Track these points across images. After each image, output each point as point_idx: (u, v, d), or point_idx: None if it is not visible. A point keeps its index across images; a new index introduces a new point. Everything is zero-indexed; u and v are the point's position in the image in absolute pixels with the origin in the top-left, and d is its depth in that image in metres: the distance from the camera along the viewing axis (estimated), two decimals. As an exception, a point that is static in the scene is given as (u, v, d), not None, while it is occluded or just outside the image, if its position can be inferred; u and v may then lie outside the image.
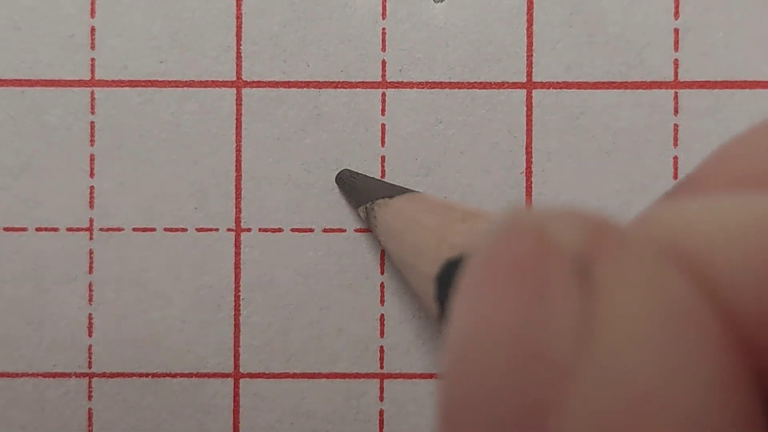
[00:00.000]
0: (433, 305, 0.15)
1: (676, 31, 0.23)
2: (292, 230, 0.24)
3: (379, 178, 0.23)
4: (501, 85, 0.23)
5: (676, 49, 0.23)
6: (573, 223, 0.09)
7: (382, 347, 0.24)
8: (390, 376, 0.24)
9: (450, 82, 0.23)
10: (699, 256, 0.09)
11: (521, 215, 0.10)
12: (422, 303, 0.18)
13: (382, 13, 0.24)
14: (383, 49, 0.24)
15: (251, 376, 0.24)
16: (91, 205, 0.24)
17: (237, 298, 0.24)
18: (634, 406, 0.08)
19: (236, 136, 0.24)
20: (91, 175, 0.23)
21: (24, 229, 0.23)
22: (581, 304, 0.09)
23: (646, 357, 0.08)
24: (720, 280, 0.09)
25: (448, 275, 0.15)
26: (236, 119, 0.24)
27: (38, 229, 0.23)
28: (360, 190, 0.22)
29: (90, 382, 0.24)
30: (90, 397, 0.24)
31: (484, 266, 0.10)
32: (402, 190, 0.21)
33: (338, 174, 0.23)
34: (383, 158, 0.24)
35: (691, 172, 0.13)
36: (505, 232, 0.10)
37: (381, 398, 0.24)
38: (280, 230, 0.24)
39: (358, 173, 0.23)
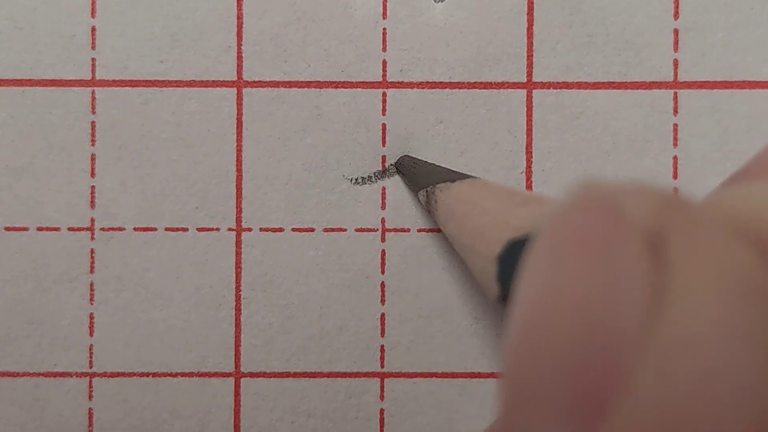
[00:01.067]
0: (493, 286, 0.15)
1: (676, 31, 0.23)
2: (293, 230, 0.24)
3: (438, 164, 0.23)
4: (501, 85, 0.24)
5: (676, 49, 0.23)
6: (645, 198, 0.09)
7: (382, 346, 0.24)
8: (390, 375, 0.24)
9: (450, 82, 0.24)
10: (765, 233, 0.09)
11: (594, 188, 0.10)
12: (481, 285, 0.17)
13: (383, 13, 0.24)
14: (384, 49, 0.24)
15: (252, 375, 0.24)
16: (92, 204, 0.24)
17: (238, 297, 0.24)
18: (703, 379, 0.08)
19: (237, 136, 0.24)
20: (92, 174, 0.23)
21: (25, 229, 0.23)
22: (653, 278, 0.09)
23: (717, 331, 0.08)
24: None
25: (510, 255, 0.15)
26: (237, 119, 0.24)
27: (39, 229, 0.23)
28: (421, 174, 0.23)
29: (90, 381, 0.24)
30: (90, 397, 0.24)
31: (556, 237, 0.10)
32: (463, 176, 0.21)
33: (398, 160, 0.23)
34: (383, 158, 0.24)
35: (745, 164, 0.13)
36: (577, 204, 0.10)
37: (381, 397, 0.24)
38: (280, 230, 0.24)
39: (417, 159, 0.23)
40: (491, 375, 0.24)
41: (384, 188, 0.24)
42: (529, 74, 0.24)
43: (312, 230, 0.24)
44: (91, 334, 0.24)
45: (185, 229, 0.24)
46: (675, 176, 0.23)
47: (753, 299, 0.09)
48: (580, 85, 0.23)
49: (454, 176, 0.21)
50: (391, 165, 0.24)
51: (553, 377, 0.09)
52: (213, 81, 0.24)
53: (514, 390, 0.09)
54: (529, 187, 0.24)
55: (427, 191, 0.22)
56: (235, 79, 0.24)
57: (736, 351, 0.08)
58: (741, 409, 0.08)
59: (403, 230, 0.24)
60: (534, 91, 0.24)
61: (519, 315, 0.10)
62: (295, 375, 0.24)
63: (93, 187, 0.24)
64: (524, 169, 0.24)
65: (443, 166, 0.23)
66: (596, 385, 0.09)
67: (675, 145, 0.23)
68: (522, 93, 0.24)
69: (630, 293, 0.09)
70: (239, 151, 0.24)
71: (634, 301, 0.09)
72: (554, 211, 0.10)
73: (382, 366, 0.24)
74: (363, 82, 0.24)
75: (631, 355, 0.08)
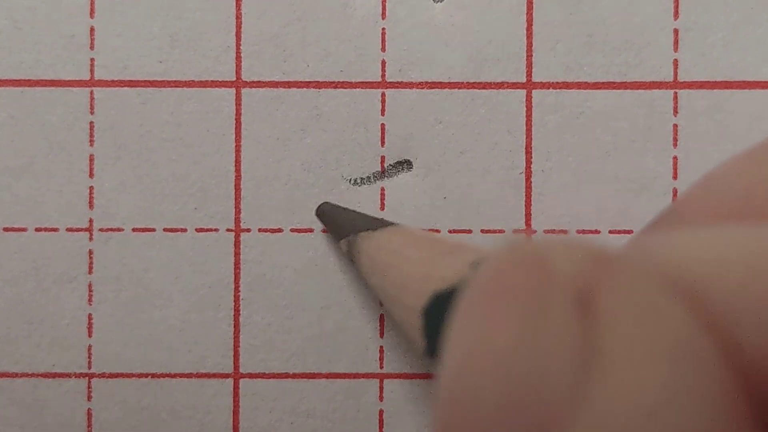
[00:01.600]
0: (419, 339, 0.15)
1: (676, 31, 0.23)
2: (292, 230, 0.24)
3: (354, 210, 0.23)
4: (501, 85, 0.23)
5: (676, 49, 0.23)
6: (573, 253, 0.09)
7: (381, 347, 0.24)
8: (390, 376, 0.24)
9: (450, 82, 0.23)
10: (697, 286, 0.09)
11: (521, 244, 0.10)
12: (407, 338, 0.17)
13: (382, 13, 0.24)
14: (383, 49, 0.24)
15: (251, 376, 0.24)
16: (91, 205, 0.24)
17: (237, 298, 0.24)
18: None
19: (236, 136, 0.24)
20: (91, 175, 0.24)
21: (24, 229, 0.23)
22: (582, 335, 0.09)
23: (648, 390, 0.08)
24: (718, 310, 0.09)
25: (435, 308, 0.14)
26: (236, 119, 0.24)
27: (38, 229, 0.23)
28: (341, 223, 0.22)
29: (90, 382, 0.24)
30: (90, 397, 0.24)
31: (483, 294, 0.10)
32: (385, 223, 0.21)
33: (319, 207, 0.23)
34: (383, 158, 0.24)
35: (674, 202, 0.13)
36: (504, 260, 0.10)
37: (381, 398, 0.24)
38: (279, 230, 0.24)
39: (338, 206, 0.23)
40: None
41: (383, 188, 0.24)
42: (529, 74, 0.23)
43: (311, 230, 0.24)
44: (90, 335, 0.24)
45: (184, 230, 0.24)
46: (675, 176, 0.23)
47: (682, 355, 0.08)
48: (579, 85, 0.23)
49: (376, 224, 0.21)
50: (391, 165, 0.24)
51: None
52: (212, 81, 0.24)
53: None
54: (528, 186, 0.23)
55: (348, 240, 0.22)
56: (234, 79, 0.24)
57: (668, 409, 0.08)
58: None
59: (402, 231, 0.24)
60: (533, 91, 0.23)
61: (447, 373, 0.10)
62: (295, 375, 0.24)
63: (92, 187, 0.24)
64: (524, 169, 0.23)
65: (363, 213, 0.23)
66: None
67: (675, 145, 0.23)
68: (521, 93, 0.23)
69: (559, 352, 0.09)
70: (238, 151, 0.24)
71: (563, 360, 0.09)
72: (482, 266, 0.10)
73: (382, 367, 0.24)
74: (362, 82, 0.24)
75: (562, 416, 0.08)
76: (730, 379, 0.09)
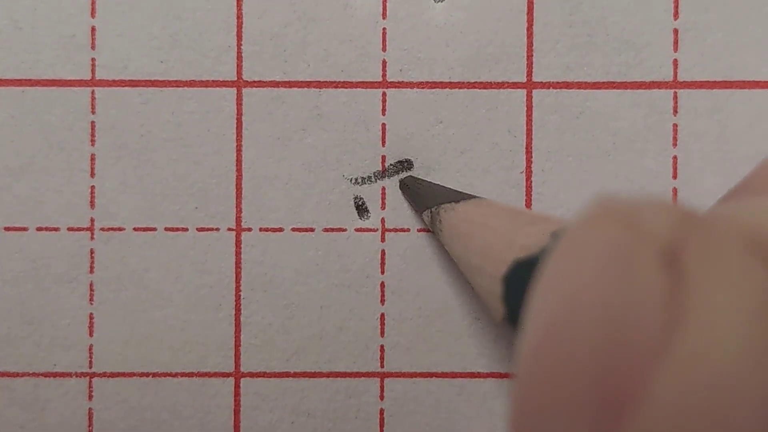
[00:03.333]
0: (498, 306, 0.15)
1: (676, 31, 0.23)
2: (293, 230, 0.24)
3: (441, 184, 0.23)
4: (501, 85, 0.24)
5: (676, 49, 0.23)
6: (662, 212, 0.09)
7: (382, 346, 0.24)
8: (390, 375, 0.24)
9: (450, 82, 0.24)
10: None
11: (611, 203, 0.10)
12: (487, 306, 0.17)
13: (383, 13, 0.24)
14: (383, 49, 0.24)
15: (252, 375, 0.24)
16: (92, 204, 0.24)
17: (237, 297, 0.24)
18: (719, 393, 0.08)
19: (237, 136, 0.24)
20: (92, 174, 0.23)
21: (24, 229, 0.23)
22: (670, 292, 0.09)
23: (733, 346, 0.08)
24: None
25: (517, 276, 0.15)
26: (237, 119, 0.24)
27: (39, 229, 0.23)
28: (424, 195, 0.23)
29: (90, 381, 0.24)
30: (90, 397, 0.24)
31: (574, 250, 0.10)
32: (468, 196, 0.21)
33: (402, 180, 0.23)
34: (383, 158, 0.24)
35: (744, 178, 0.13)
36: (595, 218, 0.10)
37: (381, 397, 0.24)
38: (280, 230, 0.24)
39: (422, 179, 0.23)
40: (491, 375, 0.24)
41: (384, 188, 0.24)
42: (529, 74, 0.24)
43: (312, 230, 0.24)
44: (90, 334, 0.24)
45: (185, 229, 0.24)
46: (675, 176, 0.23)
47: (765, 317, 0.09)
48: (580, 85, 0.23)
49: (459, 196, 0.21)
50: (391, 165, 0.24)
51: (571, 387, 0.09)
52: (213, 81, 0.24)
53: (530, 400, 0.09)
54: (528, 186, 0.24)
55: (431, 212, 0.22)
56: (235, 79, 0.24)
57: (751, 366, 0.08)
58: (755, 423, 0.08)
59: (403, 230, 0.24)
60: (534, 90, 0.24)
61: (536, 325, 0.10)
62: (295, 375, 0.24)
63: (93, 187, 0.24)
64: (524, 168, 0.24)
65: (446, 186, 0.23)
66: (614, 396, 0.09)
67: (675, 145, 0.23)
68: (522, 93, 0.24)
69: (648, 306, 0.09)
70: (239, 151, 0.24)
71: (652, 314, 0.09)
72: (572, 224, 0.10)
73: (382, 366, 0.24)
74: (363, 82, 0.24)
75: (649, 366, 0.09)
76: None
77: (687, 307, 0.09)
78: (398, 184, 0.23)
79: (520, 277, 0.14)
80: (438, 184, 0.23)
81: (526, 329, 0.10)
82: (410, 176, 0.23)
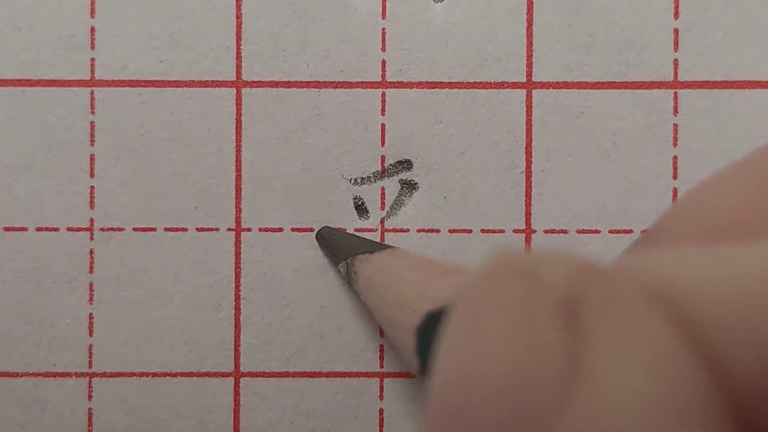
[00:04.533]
0: (413, 359, 0.15)
1: (676, 31, 0.23)
2: (292, 230, 0.24)
3: (353, 234, 0.23)
4: (501, 85, 0.24)
5: (676, 49, 0.23)
6: (560, 266, 0.09)
7: (381, 346, 0.24)
8: (390, 375, 0.24)
9: (450, 82, 0.24)
10: (681, 302, 0.09)
11: (511, 257, 0.10)
12: (402, 358, 0.18)
13: (382, 13, 0.24)
14: (383, 49, 0.24)
15: (251, 375, 0.24)
16: (92, 205, 0.24)
17: (237, 297, 0.24)
18: None
19: (236, 136, 0.24)
20: (92, 175, 0.24)
21: (24, 229, 0.23)
22: (569, 346, 0.09)
23: (631, 400, 0.08)
24: (702, 326, 0.09)
25: (429, 328, 0.15)
26: (236, 119, 0.24)
27: (38, 229, 0.23)
28: (340, 247, 0.23)
29: (90, 381, 0.24)
30: (90, 397, 0.24)
31: (474, 306, 0.10)
32: (383, 246, 0.21)
33: (318, 231, 0.23)
34: (383, 158, 0.24)
35: (654, 224, 0.13)
36: (493, 274, 0.10)
37: (381, 397, 0.24)
38: (280, 230, 0.24)
39: (337, 231, 0.23)
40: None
41: (384, 188, 0.24)
42: (529, 74, 0.24)
43: (311, 230, 0.24)
44: (90, 334, 0.24)
45: (185, 229, 0.24)
46: (675, 176, 0.23)
47: (665, 370, 0.09)
48: (580, 85, 0.23)
49: (374, 247, 0.21)
50: (391, 165, 0.24)
51: None
52: (212, 81, 0.24)
53: None
54: (528, 186, 0.24)
55: (347, 263, 0.22)
56: (235, 79, 0.24)
57: (649, 421, 0.08)
58: None
59: (402, 230, 0.24)
60: (534, 90, 0.23)
61: (438, 385, 0.10)
62: (295, 375, 0.24)
63: (92, 187, 0.24)
64: (524, 168, 0.24)
65: (361, 236, 0.23)
66: None
67: (675, 145, 0.23)
68: (522, 93, 0.24)
69: (548, 361, 0.09)
70: (239, 151, 0.24)
71: (551, 368, 0.09)
72: (472, 280, 0.10)
73: (382, 366, 0.24)
74: (362, 82, 0.24)
75: (549, 423, 0.09)
76: (711, 394, 0.09)
77: (586, 361, 0.09)
78: (315, 235, 0.23)
79: (432, 330, 0.14)
80: (354, 235, 0.23)
81: (431, 383, 0.10)
82: (326, 227, 0.23)
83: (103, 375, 0.24)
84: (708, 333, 0.09)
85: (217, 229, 0.24)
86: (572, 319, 0.09)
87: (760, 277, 0.09)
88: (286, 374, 0.24)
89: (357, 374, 0.24)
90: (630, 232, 0.23)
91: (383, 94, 0.24)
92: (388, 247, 0.21)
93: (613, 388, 0.08)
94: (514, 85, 0.23)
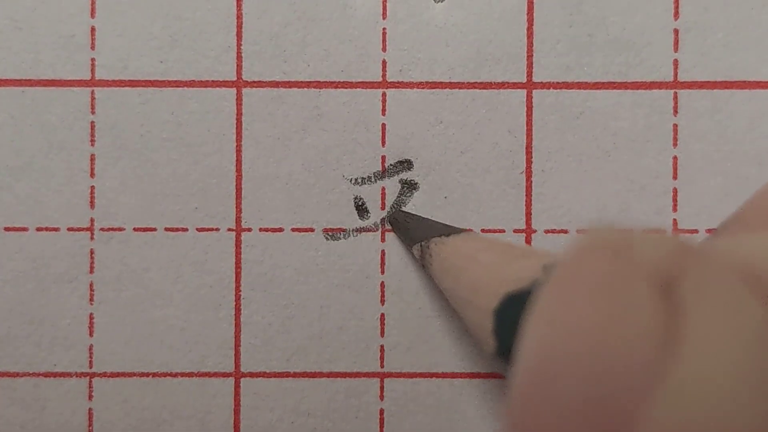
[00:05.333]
0: (489, 339, 0.15)
1: (676, 31, 0.23)
2: (293, 230, 0.24)
3: (429, 218, 0.23)
4: (501, 85, 0.24)
5: (676, 49, 0.23)
6: (656, 243, 0.09)
7: (382, 346, 0.24)
8: (390, 375, 0.24)
9: (450, 82, 0.24)
10: None
11: (604, 233, 0.10)
12: (477, 340, 0.17)
13: (383, 13, 0.24)
14: (383, 49, 0.24)
15: (252, 375, 0.24)
16: (92, 204, 0.24)
17: (237, 297, 0.24)
18: (714, 423, 0.08)
19: (236, 136, 0.24)
20: (92, 174, 0.24)
21: (24, 229, 0.23)
22: (665, 321, 0.09)
23: (728, 377, 0.08)
24: None
25: (507, 309, 0.15)
26: (236, 119, 0.24)
27: (39, 229, 0.23)
28: (415, 229, 0.23)
29: (90, 381, 0.24)
30: (90, 397, 0.24)
31: (566, 281, 0.10)
32: (458, 230, 0.21)
33: (392, 215, 0.23)
34: (383, 158, 0.24)
35: (737, 210, 0.13)
36: (587, 249, 0.10)
37: (381, 397, 0.24)
38: (280, 230, 0.24)
39: (412, 214, 0.23)
40: (491, 375, 0.24)
41: (384, 188, 0.24)
42: (529, 74, 0.24)
43: (312, 230, 0.24)
44: (91, 334, 0.24)
45: (185, 229, 0.24)
46: (675, 176, 0.23)
47: (762, 349, 0.09)
48: (580, 85, 0.23)
49: (449, 230, 0.21)
50: (391, 165, 0.24)
51: (566, 419, 0.09)
52: (213, 81, 0.24)
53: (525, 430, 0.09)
54: (529, 187, 0.24)
55: (421, 245, 0.22)
56: (235, 79, 0.24)
57: (747, 397, 0.08)
58: None
59: (403, 230, 0.24)
60: (534, 91, 0.23)
61: (529, 357, 0.10)
62: (295, 375, 0.24)
63: (93, 187, 0.24)
64: (524, 169, 0.24)
65: (435, 220, 0.23)
66: (610, 428, 0.09)
67: (675, 145, 0.23)
68: (522, 93, 0.24)
69: (642, 336, 0.09)
70: (239, 151, 0.24)
71: (646, 343, 0.09)
72: (564, 256, 0.10)
73: (382, 366, 0.24)
74: (363, 82, 0.24)
75: (645, 397, 0.09)
76: None
77: (682, 338, 0.09)
78: (388, 218, 0.23)
79: (512, 311, 0.14)
80: (428, 218, 0.23)
81: (519, 362, 0.10)
82: (400, 210, 0.23)
83: (104, 375, 0.24)
84: None
85: (217, 229, 0.24)
86: (668, 296, 0.09)
87: None
88: (287, 374, 0.24)
89: (357, 374, 0.24)
90: (630, 232, 0.23)
91: (384, 94, 0.24)
92: (463, 230, 0.21)
93: (709, 365, 0.09)
94: (515, 85, 0.23)
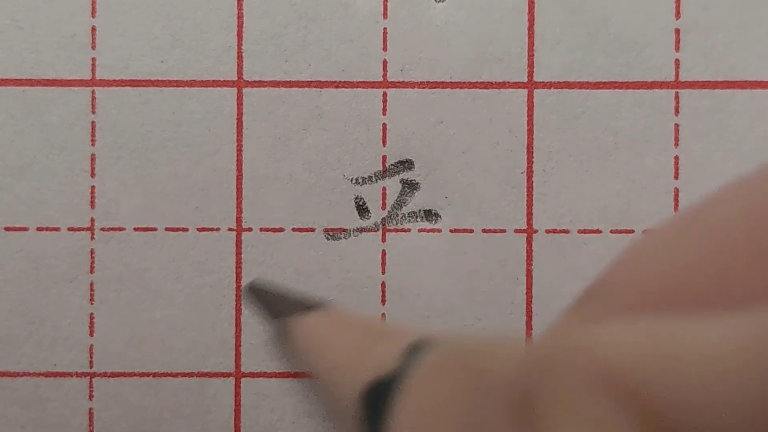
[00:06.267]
0: (358, 425, 0.15)
1: (677, 31, 0.23)
2: (294, 230, 0.24)
3: (286, 292, 0.23)
4: (502, 85, 0.23)
5: (677, 49, 0.23)
6: (507, 355, 0.09)
7: (383, 347, 0.24)
8: (391, 375, 0.24)
9: (451, 82, 0.23)
10: (634, 387, 0.09)
11: (455, 348, 0.10)
12: (340, 423, 0.18)
13: (384, 12, 0.24)
14: (384, 48, 0.24)
15: (252, 375, 0.24)
16: (92, 204, 0.24)
17: (238, 297, 0.24)
18: None
19: (237, 136, 0.24)
20: (92, 174, 0.23)
21: (25, 229, 0.23)
22: None
23: None
24: (656, 410, 0.09)
25: (375, 396, 0.14)
26: (237, 119, 0.24)
27: (39, 229, 0.23)
28: (273, 305, 0.23)
29: (91, 381, 0.24)
30: (91, 397, 0.24)
31: (423, 401, 0.10)
32: (316, 304, 0.21)
33: (247, 286, 0.23)
34: (384, 158, 0.24)
35: (597, 279, 0.12)
36: (442, 365, 0.10)
37: (382, 398, 0.24)
38: (281, 230, 0.24)
39: (269, 285, 0.23)
40: (492, 375, 0.24)
41: (384, 188, 0.24)
42: (530, 74, 0.23)
43: (312, 230, 0.24)
44: (91, 334, 0.24)
45: (185, 229, 0.24)
46: (676, 176, 0.23)
47: None
48: (581, 85, 0.23)
49: (306, 304, 0.21)
50: (392, 165, 0.24)
51: None
52: (213, 81, 0.24)
53: None
54: (529, 186, 0.23)
55: (280, 322, 0.22)
56: (236, 78, 0.24)
57: None
58: None
59: (403, 230, 0.24)
60: (535, 90, 0.23)
61: None
62: (296, 375, 0.24)
63: (93, 187, 0.24)
64: (525, 168, 0.23)
65: (292, 293, 0.23)
66: None
67: (676, 145, 0.23)
68: (523, 93, 0.23)
69: None
70: (239, 151, 0.24)
71: None
72: (421, 370, 0.10)
73: (383, 366, 0.24)
74: (363, 81, 0.24)
75: None
76: None
77: None
78: (242, 290, 0.23)
79: (377, 399, 0.14)
80: (284, 291, 0.23)
81: None
82: (258, 278, 0.23)
83: (104, 375, 0.24)
84: (663, 416, 0.09)
85: (218, 229, 0.24)
86: (523, 410, 0.09)
87: (720, 359, 0.08)
88: (287, 374, 0.24)
89: (358, 374, 0.24)
90: (631, 232, 0.23)
91: (384, 94, 0.24)
92: (321, 304, 0.21)
93: None
94: (516, 85, 0.23)
